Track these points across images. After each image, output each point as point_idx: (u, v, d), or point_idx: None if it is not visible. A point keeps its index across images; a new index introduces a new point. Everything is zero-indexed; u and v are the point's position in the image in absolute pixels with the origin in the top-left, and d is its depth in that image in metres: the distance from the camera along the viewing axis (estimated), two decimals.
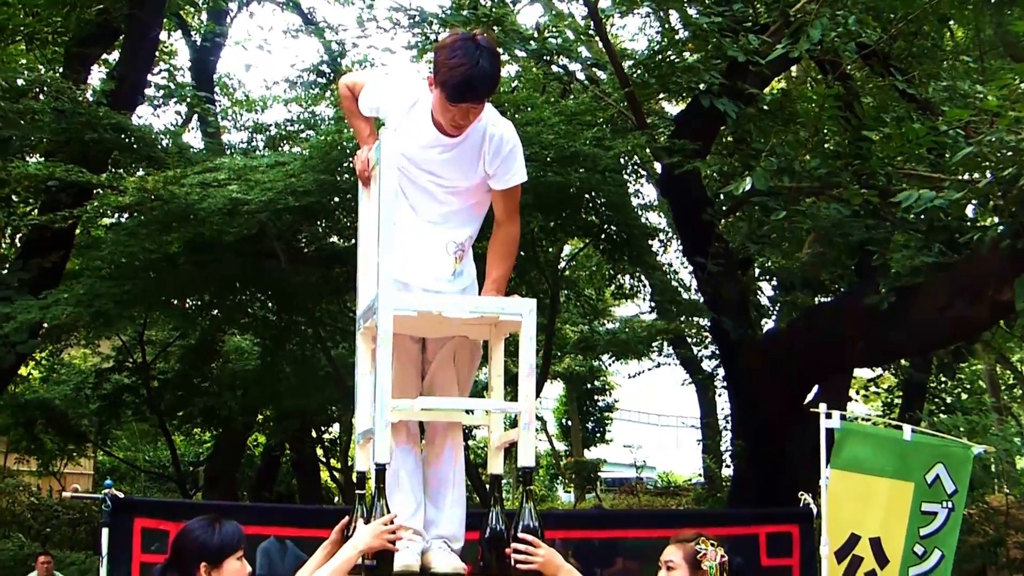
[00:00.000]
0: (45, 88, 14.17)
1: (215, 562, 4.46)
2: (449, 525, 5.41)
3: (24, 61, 16.03)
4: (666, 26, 17.47)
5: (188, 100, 18.46)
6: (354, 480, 5.47)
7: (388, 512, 4.73)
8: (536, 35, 14.79)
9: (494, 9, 16.22)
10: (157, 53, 16.75)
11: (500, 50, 5.63)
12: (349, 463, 25.04)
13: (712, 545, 5.07)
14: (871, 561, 8.24)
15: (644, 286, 23.01)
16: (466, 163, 5.37)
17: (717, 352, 19.53)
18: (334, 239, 14.63)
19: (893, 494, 8.32)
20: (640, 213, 19.23)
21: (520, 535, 4.90)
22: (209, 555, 4.46)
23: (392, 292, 4.94)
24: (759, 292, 19.12)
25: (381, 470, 4.79)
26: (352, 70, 20.64)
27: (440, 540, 5.35)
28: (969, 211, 13.13)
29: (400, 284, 5.23)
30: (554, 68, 15.94)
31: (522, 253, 16.28)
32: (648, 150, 14.62)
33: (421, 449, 5.48)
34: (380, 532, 4.65)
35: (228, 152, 16.25)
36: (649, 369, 28.70)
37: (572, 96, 15.65)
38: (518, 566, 4.89)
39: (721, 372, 20.80)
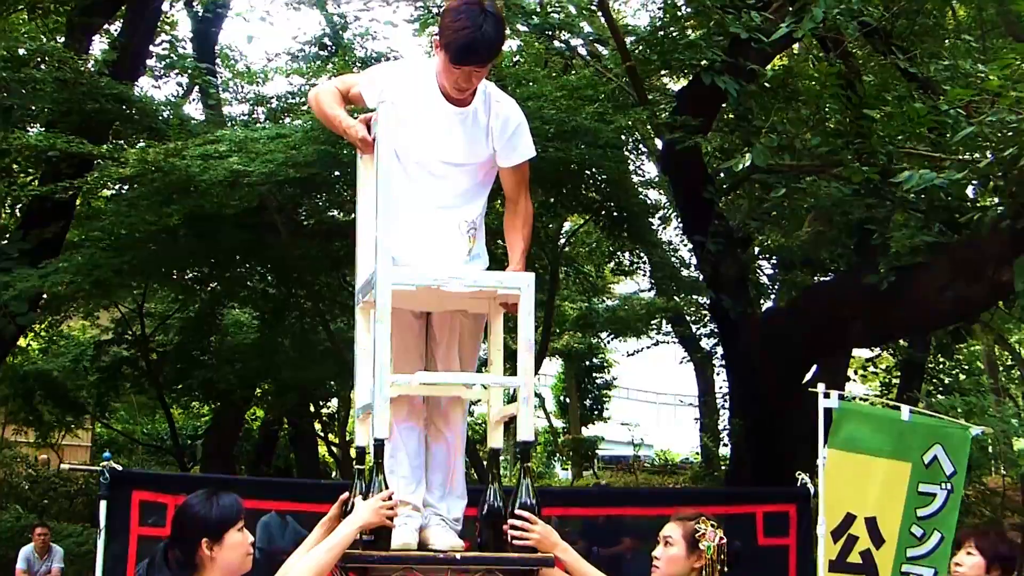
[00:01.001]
0: (47, 58, 14.15)
1: (216, 536, 4.49)
2: (448, 504, 5.43)
3: (26, 30, 16.01)
4: (668, 2, 17.46)
5: (189, 71, 18.43)
6: (353, 456, 5.48)
7: (386, 488, 4.77)
8: (539, 10, 14.77)
9: None
10: (159, 24, 16.72)
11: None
12: (347, 437, 25.10)
13: (712, 526, 5.08)
14: (866, 540, 8.26)
15: (644, 263, 22.99)
16: (474, 138, 5.38)
17: (716, 330, 19.56)
18: (334, 212, 14.64)
19: (890, 474, 8.32)
20: (640, 190, 19.22)
21: (517, 512, 4.93)
22: (210, 530, 4.49)
23: (390, 266, 4.94)
24: (759, 271, 19.14)
25: (380, 445, 4.81)
26: (354, 45, 20.67)
27: (438, 518, 5.36)
28: (969, 191, 13.15)
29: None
30: (556, 43, 15.94)
31: None
32: (649, 126, 14.61)
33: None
34: (378, 508, 4.69)
35: (229, 124, 16.24)
36: (648, 347, 28.75)
37: (574, 71, 15.64)
38: (514, 542, 4.92)
39: (720, 351, 20.82)
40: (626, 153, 17.68)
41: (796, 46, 16.75)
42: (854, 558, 8.28)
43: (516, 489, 5.02)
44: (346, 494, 5.09)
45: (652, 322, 25.93)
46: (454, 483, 5.51)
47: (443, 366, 5.48)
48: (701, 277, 15.46)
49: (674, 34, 14.14)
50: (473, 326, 5.58)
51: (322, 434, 24.96)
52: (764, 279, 19.27)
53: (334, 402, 25.71)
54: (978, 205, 12.49)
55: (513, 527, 4.93)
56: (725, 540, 5.08)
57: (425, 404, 5.46)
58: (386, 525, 4.75)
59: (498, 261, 5.90)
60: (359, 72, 16.08)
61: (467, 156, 5.38)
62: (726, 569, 5.09)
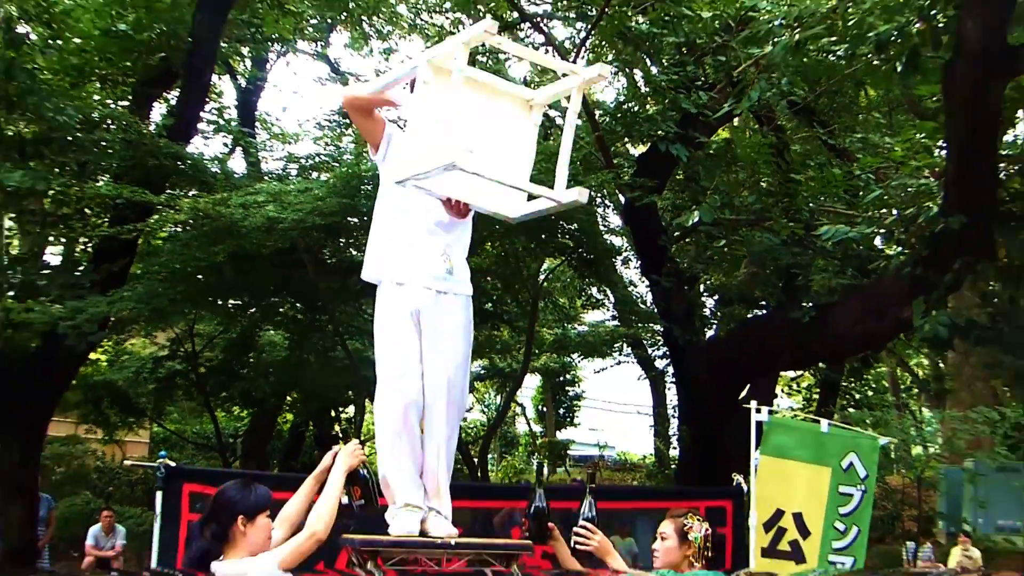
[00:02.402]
0: (115, 121, 14.14)
1: (251, 516, 4.64)
2: (443, 500, 5.41)
3: (98, 98, 16.02)
4: (631, 82, 17.52)
5: (233, 134, 18.48)
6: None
7: (357, 442, 5.15)
8: (524, 86, 14.76)
9: (490, 63, 16.25)
10: (208, 94, 16.72)
11: None
12: (363, 438, 24.99)
13: (698, 520, 5.28)
14: (794, 532, 8.23)
15: (608, 297, 23.08)
16: None
17: (667, 353, 19.54)
18: (352, 252, 14.60)
19: (813, 477, 8.31)
20: (606, 237, 19.24)
21: (582, 523, 5.33)
22: (247, 510, 4.64)
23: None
24: (703, 305, 19.14)
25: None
26: None
27: (434, 512, 5.36)
28: (878, 242, 13.17)
29: (397, 284, 5.27)
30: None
31: (508, 268, 16.31)
32: (614, 185, 14.63)
33: (421, 430, 5.46)
34: (353, 451, 5.09)
35: (266, 178, 16.22)
36: (611, 366, 28.72)
37: (552, 139, 15.65)
38: (577, 546, 5.31)
39: (671, 370, 20.77)
40: (595, 207, 17.70)
41: (736, 120, 16.81)
42: (784, 546, 8.26)
43: (582, 504, 5.41)
44: (337, 446, 5.25)
45: (615, 345, 25.92)
46: (447, 475, 5.49)
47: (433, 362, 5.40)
48: (656, 309, 15.46)
49: (635, 109, 14.19)
50: (465, 324, 5.53)
51: (341, 436, 24.89)
52: (707, 312, 19.28)
53: (351, 408, 25.69)
54: (884, 254, 12.51)
55: (578, 534, 5.30)
56: (710, 531, 5.28)
57: (424, 414, 5.45)
58: (357, 467, 5.09)
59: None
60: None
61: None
62: (710, 554, 5.28)
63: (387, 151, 5.46)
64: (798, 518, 8.26)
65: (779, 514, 8.24)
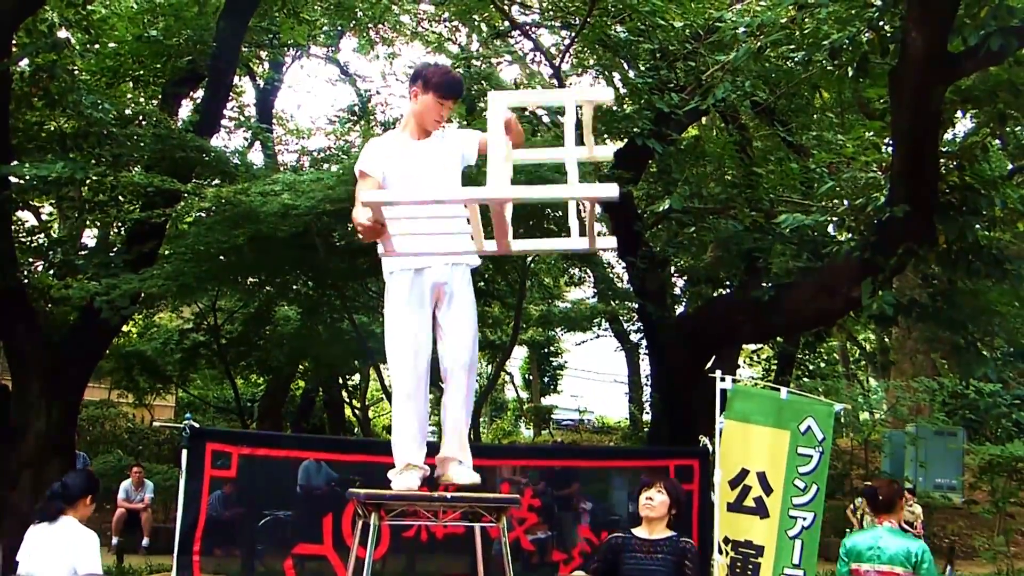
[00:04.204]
0: (146, 118, 14.10)
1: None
2: (465, 453, 5.41)
3: (131, 97, 15.98)
4: (610, 84, 17.49)
5: (252, 129, 18.43)
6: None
7: None
8: (514, 87, 14.75)
9: (483, 67, 16.23)
10: (231, 93, 16.67)
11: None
12: (367, 403, 25.01)
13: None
14: (758, 489, 8.27)
15: (589, 277, 23.09)
16: (443, 156, 5.37)
17: (642, 328, 19.59)
18: (359, 236, 14.61)
19: (774, 440, 8.34)
20: None
21: None
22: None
23: None
24: (674, 285, 19.18)
25: None
26: (375, 111, 20.63)
27: (456, 462, 5.35)
28: (830, 229, 13.20)
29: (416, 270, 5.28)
30: (526, 113, 15.94)
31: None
32: (595, 176, 14.60)
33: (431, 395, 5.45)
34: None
35: (282, 169, 16.17)
36: (591, 339, 28.90)
37: (539, 135, 15.64)
38: None
39: (644, 343, 20.84)
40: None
41: (704, 119, 16.82)
42: (749, 502, 8.30)
43: None
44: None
45: (595, 320, 26.02)
46: (466, 430, 5.49)
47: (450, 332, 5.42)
48: (631, 288, 15.45)
49: (614, 109, 14.18)
50: (470, 305, 5.53)
51: (348, 400, 24.93)
52: (678, 291, 19.31)
53: (356, 377, 25.71)
54: (836, 240, 12.54)
55: None
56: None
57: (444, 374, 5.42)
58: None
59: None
60: (382, 130, 16.14)
61: (438, 167, 5.33)
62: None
63: (381, 168, 5.39)
64: (762, 477, 8.30)
65: (744, 473, 8.28)
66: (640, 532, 5.45)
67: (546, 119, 16.19)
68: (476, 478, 5.34)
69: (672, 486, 5.53)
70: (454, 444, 5.39)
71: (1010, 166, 14.67)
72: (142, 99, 15.74)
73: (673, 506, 5.44)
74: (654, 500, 5.41)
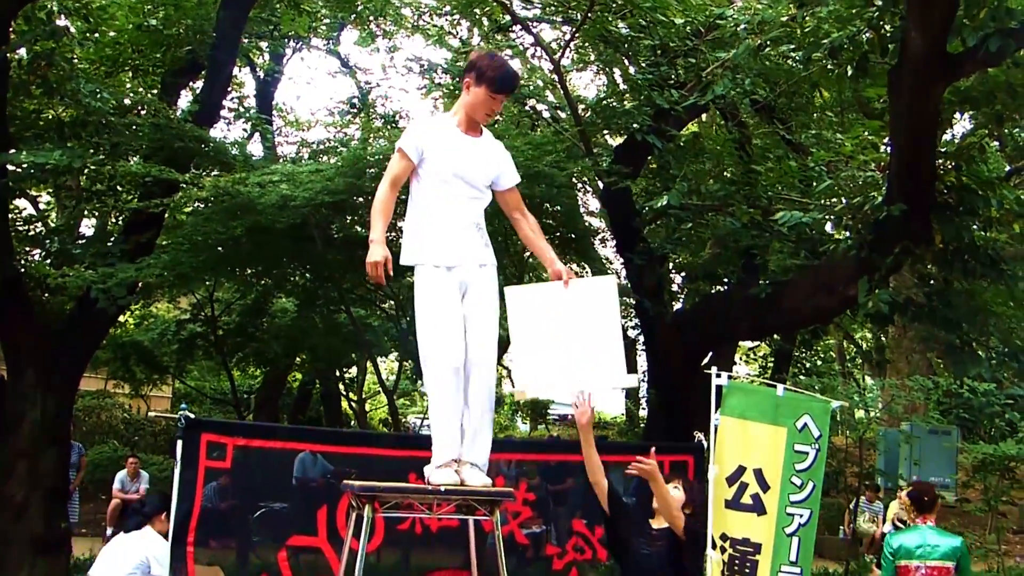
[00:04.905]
0: (145, 107, 14.08)
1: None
2: (481, 454, 5.41)
3: (130, 86, 15.96)
4: (611, 80, 17.50)
5: (252, 120, 18.42)
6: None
7: None
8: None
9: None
10: (230, 84, 16.65)
11: None
12: (363, 395, 25.01)
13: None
14: (755, 486, 8.24)
15: (587, 273, 23.05)
16: (486, 159, 5.44)
17: (639, 324, 19.59)
18: (358, 229, 14.58)
19: (771, 437, 8.30)
20: (586, 219, 19.25)
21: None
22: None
23: None
24: (672, 281, 19.19)
25: None
26: (375, 104, 20.61)
27: (470, 464, 5.35)
28: (828, 227, 13.20)
29: (447, 268, 5.35)
30: (527, 108, 15.95)
31: (497, 245, 16.28)
32: (594, 172, 14.61)
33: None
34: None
35: (281, 160, 16.16)
36: None
37: (539, 130, 15.64)
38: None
39: (641, 339, 20.85)
40: (576, 192, 17.69)
41: (704, 116, 16.82)
42: (746, 499, 8.27)
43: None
44: None
45: None
46: (488, 431, 5.49)
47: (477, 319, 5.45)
48: (629, 284, 15.45)
49: (614, 104, 14.17)
50: (493, 291, 5.59)
51: (344, 393, 24.93)
52: (675, 287, 19.33)
53: (354, 369, 25.71)
54: (834, 238, 12.54)
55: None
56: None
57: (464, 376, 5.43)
58: None
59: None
60: (381, 123, 16.00)
61: (479, 175, 5.41)
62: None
63: (420, 152, 5.42)
64: (759, 473, 8.28)
65: (741, 470, 8.26)
66: (653, 522, 6.09)
67: (546, 114, 16.20)
68: (488, 482, 5.35)
69: (689, 486, 5.96)
70: (474, 448, 5.39)
71: (1007, 167, 14.70)
72: (141, 88, 15.70)
73: (687, 505, 5.86)
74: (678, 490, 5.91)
